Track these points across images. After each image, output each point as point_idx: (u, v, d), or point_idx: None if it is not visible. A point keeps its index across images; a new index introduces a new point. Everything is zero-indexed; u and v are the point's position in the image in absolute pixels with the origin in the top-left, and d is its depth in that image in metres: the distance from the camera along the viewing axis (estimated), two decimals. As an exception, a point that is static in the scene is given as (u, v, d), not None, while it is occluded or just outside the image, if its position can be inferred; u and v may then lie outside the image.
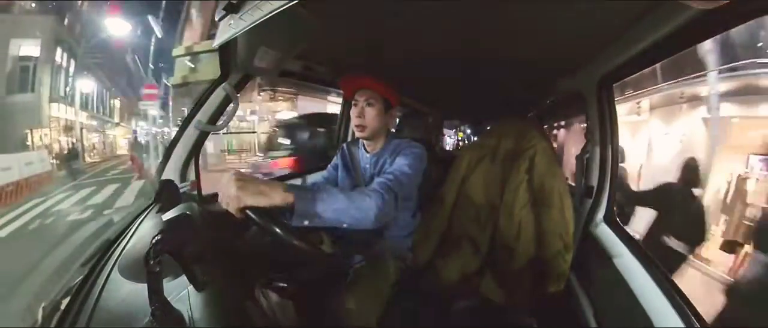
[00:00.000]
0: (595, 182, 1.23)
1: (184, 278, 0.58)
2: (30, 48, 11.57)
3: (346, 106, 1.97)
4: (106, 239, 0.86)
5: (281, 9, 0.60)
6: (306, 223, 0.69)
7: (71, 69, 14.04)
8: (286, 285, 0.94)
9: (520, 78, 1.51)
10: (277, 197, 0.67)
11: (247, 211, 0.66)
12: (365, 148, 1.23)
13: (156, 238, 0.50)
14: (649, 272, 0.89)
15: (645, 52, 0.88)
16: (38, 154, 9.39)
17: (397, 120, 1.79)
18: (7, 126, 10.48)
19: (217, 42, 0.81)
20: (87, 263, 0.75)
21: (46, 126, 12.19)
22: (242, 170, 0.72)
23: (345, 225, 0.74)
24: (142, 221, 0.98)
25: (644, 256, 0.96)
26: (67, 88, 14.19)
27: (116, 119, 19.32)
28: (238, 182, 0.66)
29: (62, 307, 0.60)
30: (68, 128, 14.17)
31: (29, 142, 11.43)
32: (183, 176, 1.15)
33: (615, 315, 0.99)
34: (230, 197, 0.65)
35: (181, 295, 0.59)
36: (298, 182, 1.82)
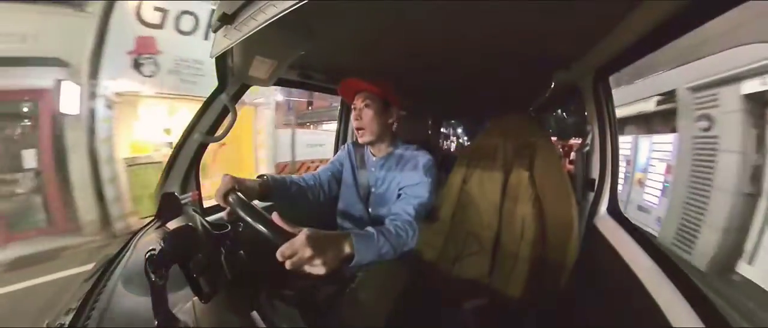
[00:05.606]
0: (596, 175, 1.22)
1: (189, 290, 0.58)
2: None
3: (345, 107, 1.98)
4: (108, 253, 0.86)
5: (275, 18, 0.60)
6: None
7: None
8: (292, 293, 0.93)
9: (517, 74, 1.51)
10: (342, 253, 0.69)
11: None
12: (371, 151, 1.23)
13: (158, 250, 0.50)
14: (658, 263, 0.88)
15: (641, 41, 0.87)
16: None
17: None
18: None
19: (212, 53, 0.82)
20: (90, 277, 0.75)
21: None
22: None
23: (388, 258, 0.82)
24: (144, 233, 0.97)
25: (651, 247, 0.95)
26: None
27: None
28: (314, 245, 0.60)
29: (66, 323, 0.60)
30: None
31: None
32: (184, 188, 1.15)
33: (623, 309, 0.97)
34: (309, 261, 0.60)
35: (187, 307, 0.58)
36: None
